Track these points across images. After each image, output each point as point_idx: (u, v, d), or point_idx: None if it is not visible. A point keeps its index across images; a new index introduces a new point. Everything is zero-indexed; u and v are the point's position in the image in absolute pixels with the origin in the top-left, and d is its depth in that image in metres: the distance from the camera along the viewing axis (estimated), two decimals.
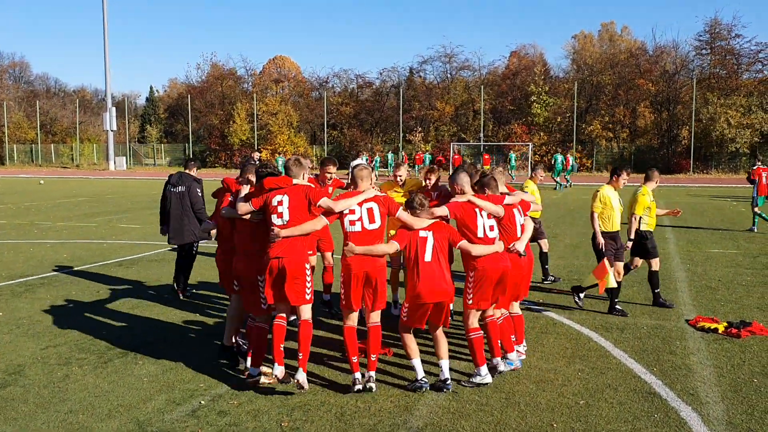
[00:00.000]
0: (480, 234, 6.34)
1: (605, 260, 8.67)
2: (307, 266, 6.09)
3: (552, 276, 11.34)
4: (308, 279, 6.05)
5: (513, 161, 46.32)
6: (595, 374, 6.60)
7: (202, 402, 5.91)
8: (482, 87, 60.72)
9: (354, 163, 8.66)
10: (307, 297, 6.06)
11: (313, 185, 6.44)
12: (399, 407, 5.79)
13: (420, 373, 6.15)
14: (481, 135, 59.05)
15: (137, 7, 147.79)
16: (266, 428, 5.39)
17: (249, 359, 6.36)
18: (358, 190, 6.27)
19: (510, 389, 6.21)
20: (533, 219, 10.95)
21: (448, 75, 68.57)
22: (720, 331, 8.05)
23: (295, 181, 6.26)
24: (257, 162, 29.78)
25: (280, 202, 6.09)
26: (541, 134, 57.82)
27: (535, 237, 10.94)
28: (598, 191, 9.22)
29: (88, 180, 46.57)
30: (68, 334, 8.05)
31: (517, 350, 6.82)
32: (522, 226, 6.77)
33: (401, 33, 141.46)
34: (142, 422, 5.50)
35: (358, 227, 6.09)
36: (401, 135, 60.99)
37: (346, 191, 6.67)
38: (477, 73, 67.92)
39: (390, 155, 52.82)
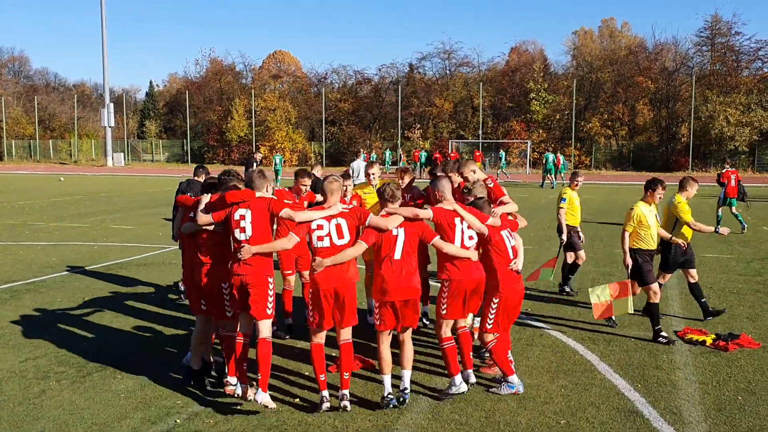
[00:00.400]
0: (457, 243, 6.27)
1: (629, 282, 8.37)
2: (270, 280, 6.03)
3: (569, 288, 10.84)
4: (270, 294, 6.02)
5: (504, 159, 46.21)
6: (579, 391, 6.51)
7: (178, 421, 5.83)
8: (481, 84, 60.59)
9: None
10: (269, 312, 6.01)
11: (275, 197, 6.36)
12: (377, 426, 5.71)
13: (387, 389, 6.07)
14: (480, 132, 58.96)
15: (139, 1, 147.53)
16: None
17: (228, 370, 6.29)
18: (328, 204, 6.18)
19: (491, 407, 6.13)
20: (571, 227, 10.85)
21: (447, 71, 68.44)
22: (708, 344, 7.97)
23: (258, 194, 6.17)
24: (260, 162, 29.51)
25: (242, 216, 6.03)
26: (540, 131, 57.75)
27: (572, 246, 10.79)
28: (632, 209, 8.69)
29: (84, 177, 46.47)
30: (49, 345, 7.96)
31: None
32: (513, 248, 6.59)
33: (401, 30, 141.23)
34: None
35: (326, 243, 5.98)
36: (400, 131, 60.85)
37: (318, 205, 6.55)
38: (476, 70, 67.81)
39: (388, 153, 52.65)
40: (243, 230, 6.00)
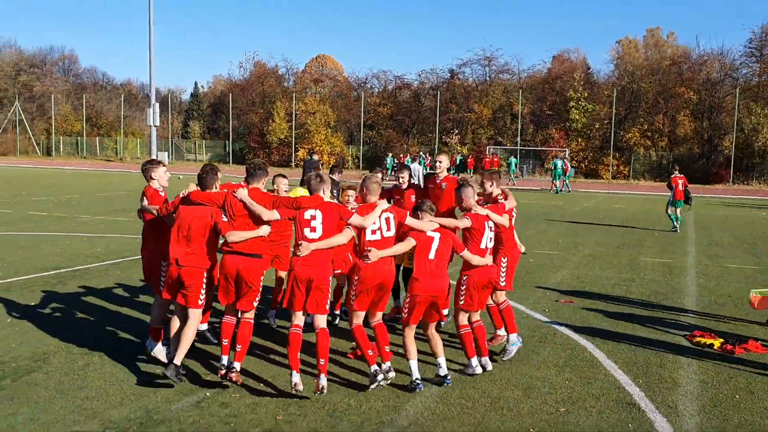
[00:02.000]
0: (483, 246, 6.99)
1: None
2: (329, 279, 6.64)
3: None
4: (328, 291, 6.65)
5: (513, 166, 46.52)
6: (582, 384, 6.89)
7: (207, 394, 6.37)
8: (521, 91, 60.62)
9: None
10: (328, 307, 6.66)
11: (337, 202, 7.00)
12: (388, 407, 6.17)
13: (415, 374, 6.58)
14: (519, 139, 58.99)
15: (186, 3, 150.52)
16: (263, 420, 5.83)
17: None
18: (372, 202, 6.76)
19: (497, 395, 6.54)
20: None
21: (487, 78, 68.57)
22: (716, 347, 8.24)
23: (325, 198, 6.67)
24: (319, 163, 29.98)
25: (313, 216, 6.47)
26: (579, 140, 57.52)
27: None
28: None
29: (129, 174, 47.84)
30: (92, 325, 8.62)
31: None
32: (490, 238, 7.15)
33: (442, 36, 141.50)
34: (150, 410, 5.98)
35: (378, 236, 6.66)
36: (438, 137, 61.22)
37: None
38: (516, 77, 67.83)
39: (389, 159, 52.25)
40: (314, 229, 6.45)
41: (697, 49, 62.62)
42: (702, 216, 25.87)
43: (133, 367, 7.05)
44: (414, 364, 6.62)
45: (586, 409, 6.22)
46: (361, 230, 6.66)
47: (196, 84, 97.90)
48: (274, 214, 6.56)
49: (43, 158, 71.77)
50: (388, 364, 6.61)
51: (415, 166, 29.03)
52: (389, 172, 47.70)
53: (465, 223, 6.97)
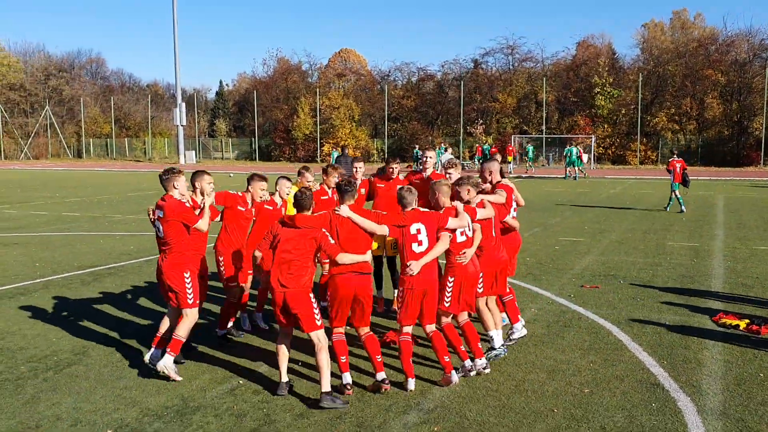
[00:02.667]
0: (510, 216, 7.44)
1: None
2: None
3: None
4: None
5: (531, 153, 46.33)
6: (606, 366, 6.99)
7: (240, 381, 6.60)
8: (545, 78, 60.25)
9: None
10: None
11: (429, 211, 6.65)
12: (415, 392, 6.33)
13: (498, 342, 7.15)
14: (544, 127, 58.69)
15: (209, 3, 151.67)
16: (293, 405, 6.03)
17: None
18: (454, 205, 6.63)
19: (522, 377, 6.68)
20: None
21: (511, 66, 68.22)
22: (741, 328, 8.27)
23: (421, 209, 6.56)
24: (348, 157, 30.03)
25: (419, 230, 6.33)
26: (605, 126, 57.08)
27: None
28: None
29: (158, 174, 48.48)
30: (129, 320, 8.93)
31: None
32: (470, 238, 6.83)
33: (464, 26, 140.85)
34: (186, 398, 6.23)
35: (424, 246, 6.38)
36: (462, 127, 61.13)
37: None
38: (540, 65, 67.40)
39: (416, 151, 52.28)
40: (420, 243, 6.31)
41: (724, 30, 61.62)
42: (731, 199, 25.62)
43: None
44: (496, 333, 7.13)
45: (610, 390, 6.33)
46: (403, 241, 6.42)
47: (221, 82, 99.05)
48: (383, 229, 6.42)
49: (74, 160, 73.08)
50: (478, 361, 6.72)
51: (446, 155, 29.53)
52: (415, 164, 47.81)
53: (501, 198, 7.29)
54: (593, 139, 53.53)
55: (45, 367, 7.06)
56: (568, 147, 41.81)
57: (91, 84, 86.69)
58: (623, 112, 57.14)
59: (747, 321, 8.43)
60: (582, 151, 39.99)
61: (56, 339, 8.04)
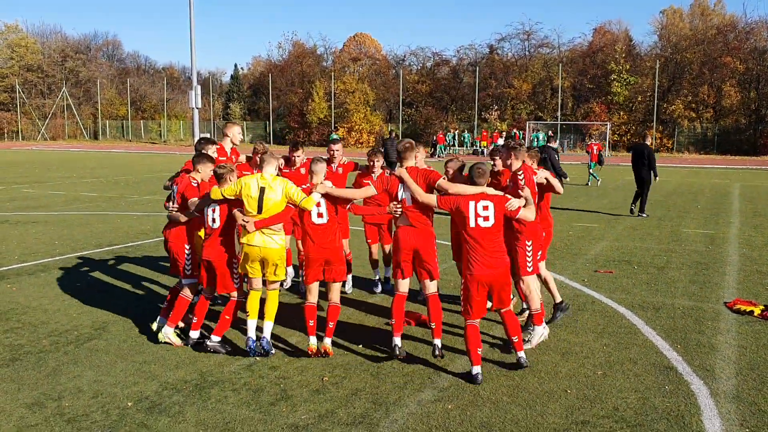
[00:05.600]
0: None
1: None
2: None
3: None
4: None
5: (540, 140, 45.85)
6: (620, 349, 7.03)
7: (258, 358, 6.70)
8: (561, 65, 59.84)
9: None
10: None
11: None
12: (429, 369, 6.41)
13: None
14: (559, 114, 58.37)
15: None
16: (310, 381, 6.13)
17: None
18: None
19: (535, 358, 6.73)
20: None
21: (527, 52, 67.78)
22: (756, 314, 8.27)
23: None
24: (395, 141, 30.25)
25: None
26: (621, 113, 56.68)
27: None
28: None
29: (173, 156, 48.79)
30: (147, 296, 9.06)
31: None
32: None
33: (480, 11, 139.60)
34: (204, 373, 6.33)
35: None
36: (477, 113, 60.90)
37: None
38: (556, 51, 66.92)
39: (466, 134, 52.43)
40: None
41: (744, 17, 60.89)
42: (747, 188, 25.45)
43: (186, 334, 7.40)
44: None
45: (623, 372, 6.38)
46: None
47: (236, 66, 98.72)
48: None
49: (90, 142, 73.53)
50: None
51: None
52: (432, 150, 47.80)
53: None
54: (608, 126, 53.20)
55: (66, 341, 7.19)
56: (534, 132, 42.57)
57: (108, 66, 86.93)
58: (639, 99, 56.69)
59: (762, 307, 8.43)
60: (594, 142, 32.55)
61: (76, 314, 8.17)
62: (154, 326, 7.34)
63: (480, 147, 50.10)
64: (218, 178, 6.89)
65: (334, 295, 6.93)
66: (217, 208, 6.90)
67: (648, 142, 17.59)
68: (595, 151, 26.50)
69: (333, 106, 64.53)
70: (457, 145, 50.40)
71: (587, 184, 26.28)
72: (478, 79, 61.00)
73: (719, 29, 58.79)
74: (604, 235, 14.20)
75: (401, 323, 6.66)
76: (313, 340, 6.76)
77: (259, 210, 6.62)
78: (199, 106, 65.24)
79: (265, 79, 71.44)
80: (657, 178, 17.24)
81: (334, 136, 45.67)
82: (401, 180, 6.69)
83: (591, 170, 26.57)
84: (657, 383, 6.13)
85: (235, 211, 6.74)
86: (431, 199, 6.54)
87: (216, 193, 6.83)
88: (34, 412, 5.47)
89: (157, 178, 28.28)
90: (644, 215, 16.87)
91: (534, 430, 5.22)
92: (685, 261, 11.48)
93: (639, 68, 58.39)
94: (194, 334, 7.05)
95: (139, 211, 17.60)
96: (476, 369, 6.15)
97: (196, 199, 7.08)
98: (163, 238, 7.49)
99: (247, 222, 6.60)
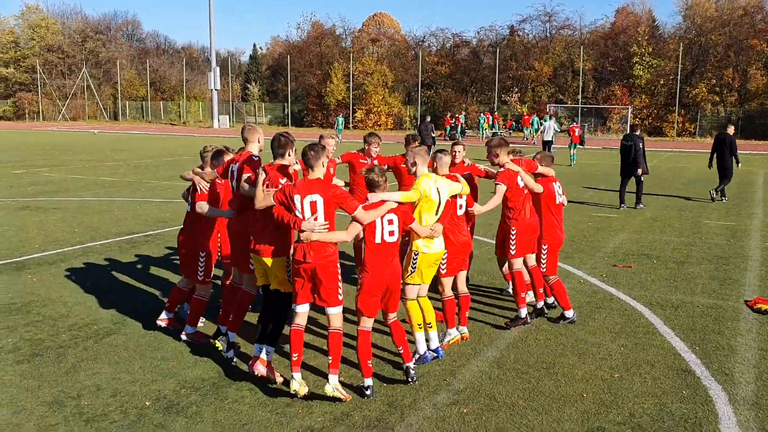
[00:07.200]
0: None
1: None
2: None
3: None
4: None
5: (536, 124, 45.18)
6: (637, 350, 6.98)
7: (275, 356, 6.71)
8: (582, 47, 59.10)
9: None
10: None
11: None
12: (445, 371, 6.41)
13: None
14: (580, 96, 57.75)
15: None
16: (325, 383, 6.13)
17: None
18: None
19: (552, 360, 6.70)
20: None
21: (548, 34, 67.03)
22: None
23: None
24: (429, 125, 30.39)
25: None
26: (643, 97, 55.96)
27: None
28: None
29: (192, 138, 48.97)
30: (166, 289, 9.09)
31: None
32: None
33: None
34: (221, 371, 6.38)
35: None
36: (497, 95, 60.42)
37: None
38: (577, 33, 66.10)
39: (482, 118, 51.78)
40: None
41: None
42: None
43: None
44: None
45: (640, 376, 6.34)
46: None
47: (254, 46, 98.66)
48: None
49: (110, 122, 73.98)
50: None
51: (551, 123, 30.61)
52: (447, 132, 47.48)
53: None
54: (630, 110, 52.55)
55: (85, 336, 7.27)
56: (534, 116, 44.74)
57: (127, 46, 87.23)
58: (662, 82, 55.88)
59: None
60: (576, 125, 32.27)
61: (96, 308, 8.26)
62: (219, 345, 6.72)
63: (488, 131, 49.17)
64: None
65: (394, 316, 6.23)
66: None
67: (731, 132, 18.38)
68: (576, 133, 29.53)
69: (351, 88, 64.29)
70: (459, 132, 48.65)
71: (571, 165, 28.35)
72: (498, 61, 60.45)
73: (746, 10, 57.62)
74: (623, 226, 14.08)
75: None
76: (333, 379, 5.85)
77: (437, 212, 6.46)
78: (218, 87, 65.61)
79: (283, 60, 71.32)
80: (740, 165, 18.13)
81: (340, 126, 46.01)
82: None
83: (572, 150, 29.25)
84: (674, 388, 6.09)
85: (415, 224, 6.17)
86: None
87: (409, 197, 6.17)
88: (54, 411, 5.54)
89: (177, 162, 28.42)
90: (724, 199, 17.91)
91: None
92: (705, 255, 11.36)
93: (662, 51, 57.51)
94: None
95: (159, 197, 17.70)
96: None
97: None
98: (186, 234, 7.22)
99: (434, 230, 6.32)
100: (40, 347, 6.93)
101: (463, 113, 53.64)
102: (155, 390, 5.96)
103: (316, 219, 5.67)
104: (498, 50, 61.93)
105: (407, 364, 6.13)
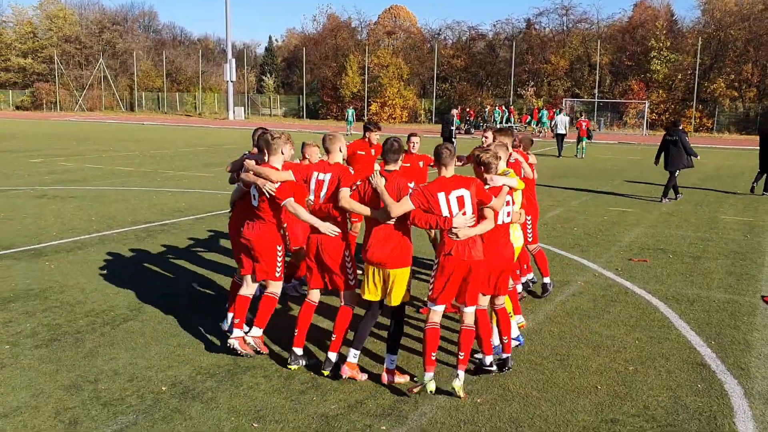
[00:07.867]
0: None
1: None
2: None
3: None
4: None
5: (545, 117, 45.16)
6: (652, 343, 6.96)
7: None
8: (599, 41, 58.69)
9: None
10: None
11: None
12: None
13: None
14: (596, 91, 57.40)
15: None
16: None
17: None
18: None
19: (566, 352, 6.70)
20: None
21: (564, 28, 66.62)
22: None
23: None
24: (456, 119, 30.52)
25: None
26: (660, 92, 55.52)
27: None
28: None
29: (207, 129, 49.17)
30: (182, 277, 9.19)
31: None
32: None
33: None
34: (237, 358, 6.42)
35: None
36: (513, 89, 60.17)
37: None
38: (595, 26, 65.64)
39: (497, 111, 51.60)
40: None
41: None
42: None
43: (222, 317, 7.49)
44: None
45: (655, 369, 6.32)
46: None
47: (270, 38, 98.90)
48: None
49: (127, 113, 74.42)
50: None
51: (561, 117, 31.91)
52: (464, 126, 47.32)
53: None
54: (647, 105, 52.17)
55: (102, 322, 7.34)
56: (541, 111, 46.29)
57: (144, 37, 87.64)
58: (680, 77, 55.41)
59: None
60: (583, 119, 31.88)
61: (113, 294, 8.33)
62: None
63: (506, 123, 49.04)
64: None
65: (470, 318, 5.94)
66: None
67: None
68: (584, 127, 30.00)
69: (366, 81, 64.24)
70: (462, 128, 47.82)
71: (576, 156, 29.61)
72: (514, 54, 60.16)
73: (766, 5, 56.98)
74: (639, 220, 14.00)
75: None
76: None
77: None
78: (234, 79, 65.73)
79: (299, 52, 71.35)
80: None
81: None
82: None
83: (582, 143, 29.69)
84: (689, 381, 6.07)
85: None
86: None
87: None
88: (72, 395, 5.61)
89: (193, 152, 28.56)
90: (766, 194, 18.03)
91: (563, 428, 5.21)
92: (721, 250, 11.28)
93: (680, 45, 57.01)
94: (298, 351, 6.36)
95: (174, 187, 17.81)
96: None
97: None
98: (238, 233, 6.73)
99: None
100: (57, 332, 7.01)
101: (478, 107, 53.47)
102: (171, 375, 6.02)
103: (464, 214, 5.62)
104: (514, 44, 61.63)
105: (507, 355, 6.23)
